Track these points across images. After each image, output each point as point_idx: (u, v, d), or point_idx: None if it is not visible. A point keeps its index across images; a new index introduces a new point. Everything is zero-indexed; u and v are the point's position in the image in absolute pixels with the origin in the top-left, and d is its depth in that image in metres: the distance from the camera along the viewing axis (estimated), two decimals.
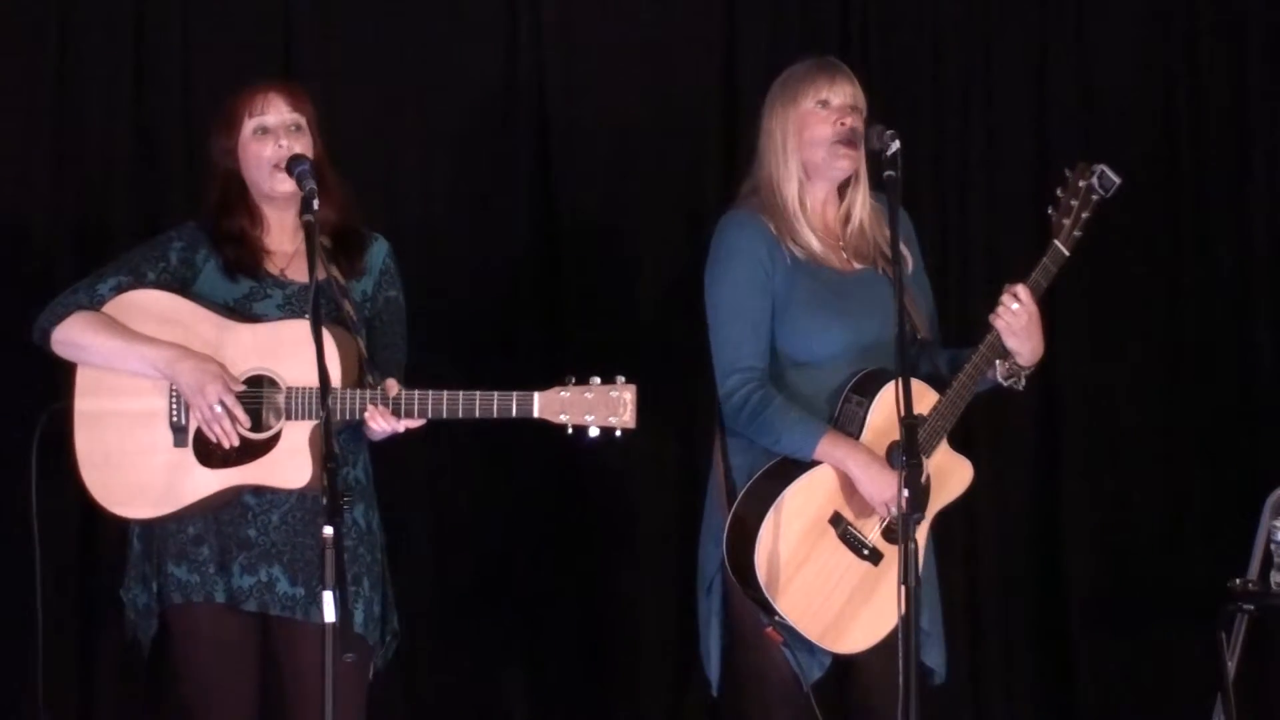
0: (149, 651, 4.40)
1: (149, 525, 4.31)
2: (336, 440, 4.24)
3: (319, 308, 3.98)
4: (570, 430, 4.17)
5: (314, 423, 4.17)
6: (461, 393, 4.17)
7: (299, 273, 4.31)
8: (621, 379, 4.17)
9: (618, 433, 4.18)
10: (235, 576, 4.27)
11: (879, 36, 5.72)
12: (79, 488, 4.28)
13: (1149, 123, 5.83)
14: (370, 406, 4.17)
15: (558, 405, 4.16)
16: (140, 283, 4.30)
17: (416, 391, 4.18)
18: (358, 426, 4.25)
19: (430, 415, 4.17)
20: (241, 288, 4.32)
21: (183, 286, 4.32)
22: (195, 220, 4.41)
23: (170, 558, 4.30)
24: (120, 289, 4.29)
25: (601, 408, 4.16)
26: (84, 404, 4.27)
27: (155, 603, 4.34)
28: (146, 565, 4.34)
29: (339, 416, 4.14)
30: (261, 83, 4.40)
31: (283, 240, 4.37)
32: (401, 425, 4.18)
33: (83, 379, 4.28)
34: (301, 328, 4.04)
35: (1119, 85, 5.83)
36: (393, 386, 4.18)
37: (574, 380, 4.16)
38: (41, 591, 4.49)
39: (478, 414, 4.16)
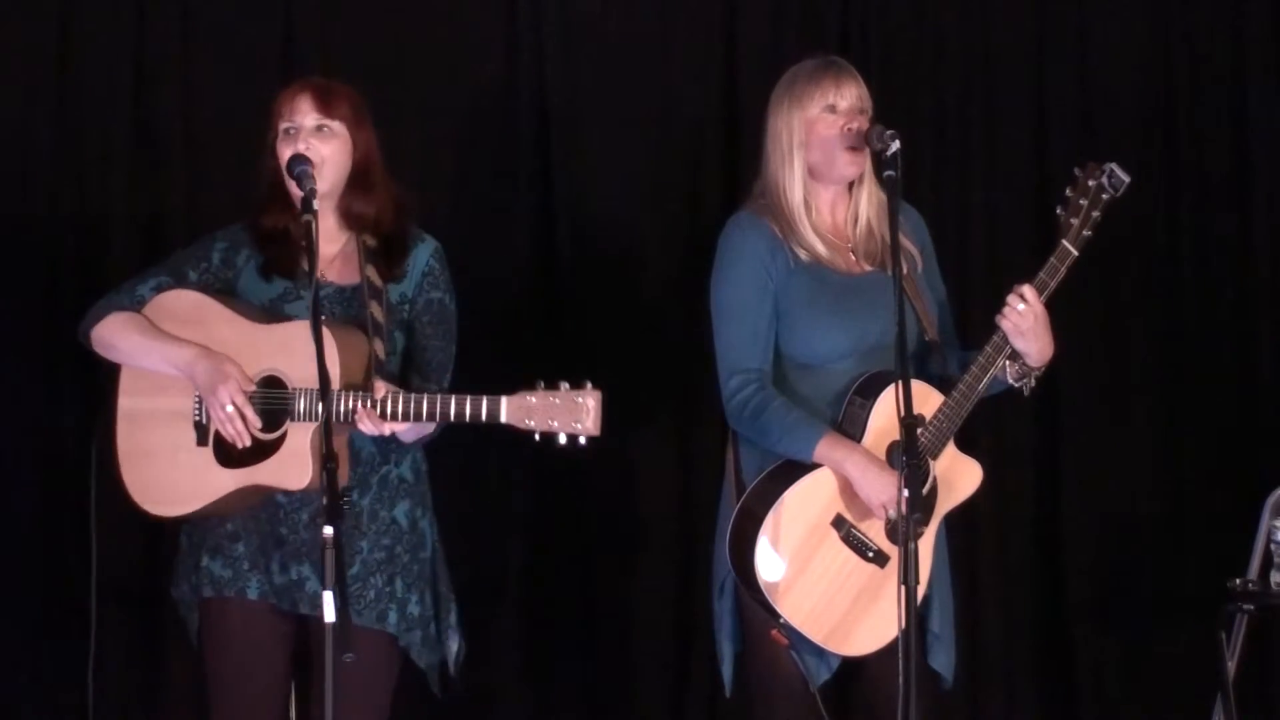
0: (196, 644, 4.43)
1: (191, 522, 4.36)
2: (351, 440, 4.29)
3: (319, 309, 3.99)
4: (538, 437, 4.14)
5: (317, 424, 4.17)
6: (439, 396, 4.17)
7: (337, 274, 4.34)
8: (589, 384, 4.11)
9: (581, 440, 4.12)
10: (275, 574, 4.30)
11: (879, 36, 5.72)
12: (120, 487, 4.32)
13: (1149, 123, 5.83)
14: (360, 408, 4.17)
15: (524, 411, 4.12)
16: (181, 283, 4.34)
17: (401, 394, 4.18)
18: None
19: (410, 418, 4.17)
20: (275, 288, 4.34)
21: (224, 287, 4.36)
22: (241, 221, 4.42)
23: (207, 552, 4.34)
24: (160, 289, 4.33)
25: (565, 414, 4.10)
26: (126, 402, 4.32)
27: (193, 596, 4.38)
28: (189, 560, 4.39)
29: (336, 418, 4.14)
30: (295, 83, 4.40)
31: (324, 242, 4.33)
32: (387, 428, 4.18)
33: (126, 378, 4.33)
34: (306, 328, 4.04)
35: (1119, 85, 5.83)
36: (380, 388, 4.18)
37: (542, 385, 4.12)
38: (96, 594, 4.58)
39: (453, 418, 4.15)
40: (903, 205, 4.47)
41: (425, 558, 4.42)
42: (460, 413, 4.14)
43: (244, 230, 4.40)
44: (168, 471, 4.27)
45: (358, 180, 4.34)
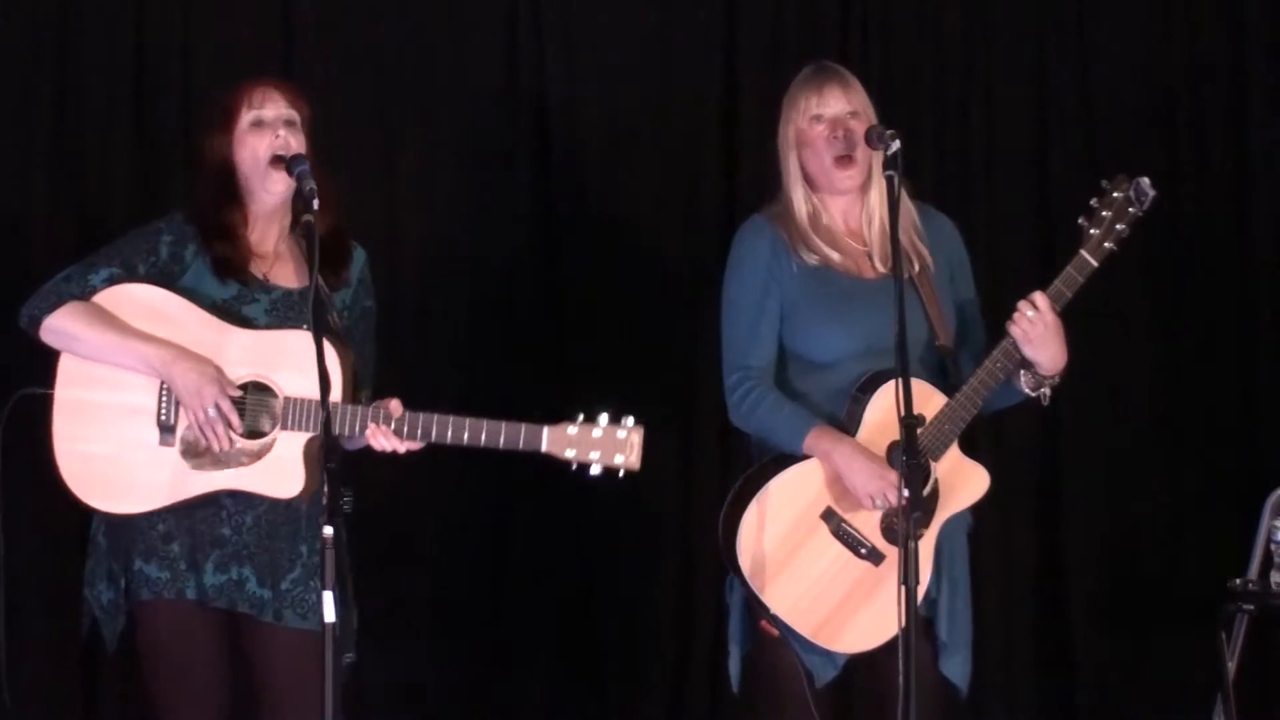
0: (114, 648, 4.35)
1: (116, 522, 4.27)
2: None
3: (320, 308, 3.98)
4: (574, 467, 4.21)
5: (309, 435, 4.17)
6: (468, 420, 4.18)
7: (281, 277, 4.31)
8: (630, 419, 4.21)
9: (621, 473, 4.23)
10: (207, 574, 4.24)
11: (879, 37, 5.72)
12: (52, 477, 4.21)
13: (1149, 123, 5.83)
14: (372, 424, 4.17)
15: (565, 441, 4.20)
16: (131, 276, 4.25)
17: (421, 414, 4.19)
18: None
19: (434, 440, 4.19)
20: (230, 289, 4.28)
21: (168, 281, 4.27)
22: (182, 212, 4.35)
23: (139, 555, 4.25)
24: (113, 281, 4.24)
25: (608, 447, 4.21)
26: (66, 393, 4.22)
27: (123, 599, 4.29)
28: (113, 562, 4.29)
29: (340, 431, 4.13)
30: (256, 78, 4.37)
31: (265, 244, 4.34)
32: (403, 446, 4.20)
33: (66, 368, 4.23)
34: (302, 339, 4.04)
35: (1119, 86, 5.83)
36: (397, 408, 4.19)
37: (583, 417, 4.20)
38: (4, 582, 4.46)
39: (484, 443, 4.18)
40: (935, 214, 4.53)
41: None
42: (494, 439, 4.18)
43: (187, 223, 4.32)
44: (119, 468, 4.20)
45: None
